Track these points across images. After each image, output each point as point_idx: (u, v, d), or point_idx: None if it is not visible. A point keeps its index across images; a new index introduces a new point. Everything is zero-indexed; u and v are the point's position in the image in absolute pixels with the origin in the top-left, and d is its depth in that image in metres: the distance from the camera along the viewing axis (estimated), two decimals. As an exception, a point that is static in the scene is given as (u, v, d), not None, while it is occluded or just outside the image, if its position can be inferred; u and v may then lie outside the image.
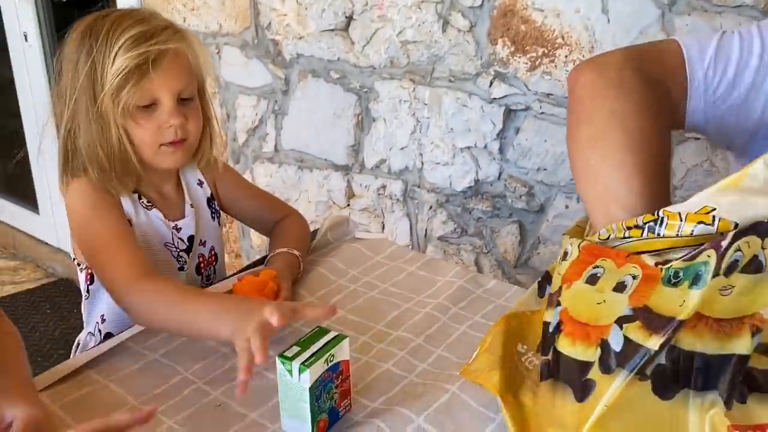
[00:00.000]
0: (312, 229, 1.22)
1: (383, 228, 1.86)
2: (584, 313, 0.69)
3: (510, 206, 1.62)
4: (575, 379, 0.66)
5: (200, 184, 1.13)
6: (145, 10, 1.01)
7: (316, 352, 0.75)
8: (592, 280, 0.70)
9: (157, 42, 0.93)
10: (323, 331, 0.78)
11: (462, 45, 1.57)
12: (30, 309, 2.75)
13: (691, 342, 0.62)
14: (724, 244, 0.61)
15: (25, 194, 3.02)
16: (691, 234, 0.64)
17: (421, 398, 0.82)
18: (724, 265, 0.61)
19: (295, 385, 0.73)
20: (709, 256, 0.62)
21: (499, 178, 1.61)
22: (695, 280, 0.62)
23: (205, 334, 0.87)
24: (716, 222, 0.63)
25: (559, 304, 0.71)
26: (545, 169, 1.53)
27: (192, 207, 1.09)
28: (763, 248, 0.61)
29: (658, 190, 0.74)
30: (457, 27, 1.56)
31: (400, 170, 1.77)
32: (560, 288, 0.72)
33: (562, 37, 1.42)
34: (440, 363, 0.90)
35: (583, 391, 0.65)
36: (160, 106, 0.96)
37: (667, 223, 0.66)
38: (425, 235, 1.77)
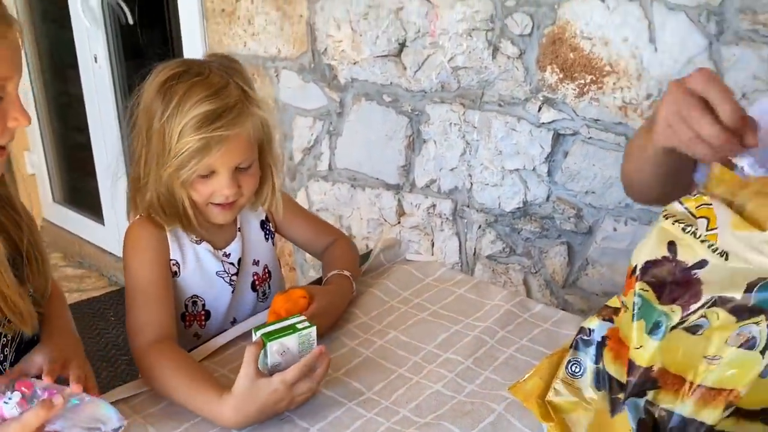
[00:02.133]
0: (364, 245, 1.28)
1: (432, 246, 1.91)
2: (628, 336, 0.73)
3: (558, 227, 1.65)
4: (610, 395, 0.70)
5: (255, 210, 1.20)
6: (220, 76, 1.03)
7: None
8: (625, 306, 0.74)
9: (222, 126, 0.99)
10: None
11: (511, 71, 1.61)
12: (95, 316, 2.90)
13: (667, 401, 0.65)
14: (693, 307, 0.62)
15: (91, 206, 3.18)
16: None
17: (468, 416, 0.88)
18: (686, 323, 0.63)
19: None
20: (673, 311, 0.63)
21: (547, 199, 1.65)
22: (654, 328, 0.64)
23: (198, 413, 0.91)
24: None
25: (609, 318, 0.75)
26: (593, 192, 1.56)
27: (240, 231, 1.16)
28: (757, 324, 0.60)
29: None
30: (507, 54, 1.61)
31: (450, 190, 1.82)
32: (614, 310, 0.75)
33: (610, 65, 1.46)
34: (487, 384, 0.95)
35: (612, 408, 0.69)
36: (217, 175, 1.03)
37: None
38: (474, 254, 1.82)
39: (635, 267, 0.68)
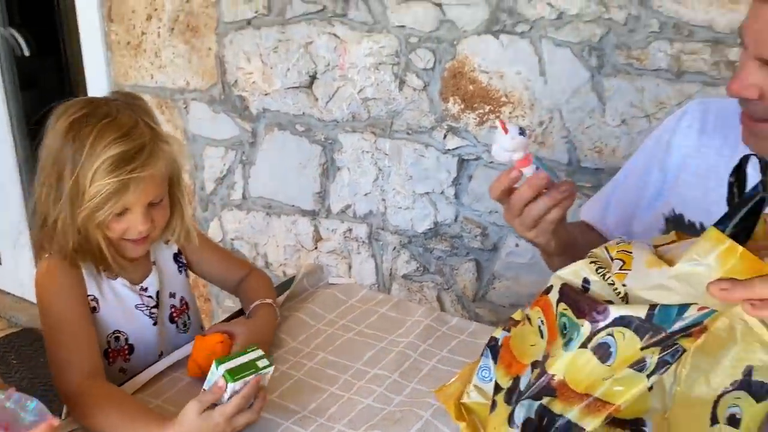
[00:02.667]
0: (281, 272, 1.33)
1: (350, 268, 1.99)
2: (517, 349, 0.82)
3: (467, 245, 1.77)
4: (492, 398, 0.80)
5: (166, 242, 1.22)
6: (128, 116, 1.04)
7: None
8: (528, 320, 0.83)
9: (137, 167, 1.00)
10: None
11: (417, 102, 1.73)
12: (-4, 359, 2.76)
13: (559, 408, 0.72)
14: (601, 324, 0.70)
15: (-13, 244, 3.03)
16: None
17: (398, 423, 0.95)
18: (594, 341, 0.70)
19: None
20: (582, 325, 0.71)
21: (456, 220, 1.76)
22: (568, 342, 0.72)
23: None
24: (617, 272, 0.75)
25: (508, 329, 0.85)
26: (497, 212, 1.69)
27: (155, 264, 1.19)
28: (652, 354, 0.67)
29: None
30: (413, 86, 1.72)
31: (365, 214, 1.91)
32: (515, 321, 0.85)
33: (506, 96, 1.60)
34: (414, 394, 1.03)
35: (491, 407, 0.78)
36: (131, 213, 1.04)
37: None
38: (390, 274, 1.91)
39: (550, 287, 0.77)
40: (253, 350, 0.94)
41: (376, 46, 1.74)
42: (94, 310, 1.09)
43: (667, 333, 0.67)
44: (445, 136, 1.71)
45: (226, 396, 0.90)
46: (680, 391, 0.72)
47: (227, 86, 2.04)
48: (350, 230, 1.95)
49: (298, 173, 1.99)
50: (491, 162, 1.66)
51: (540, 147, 1.58)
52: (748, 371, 0.71)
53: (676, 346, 0.67)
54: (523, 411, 0.73)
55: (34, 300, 1.08)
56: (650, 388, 0.70)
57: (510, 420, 0.74)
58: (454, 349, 1.15)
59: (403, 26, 1.69)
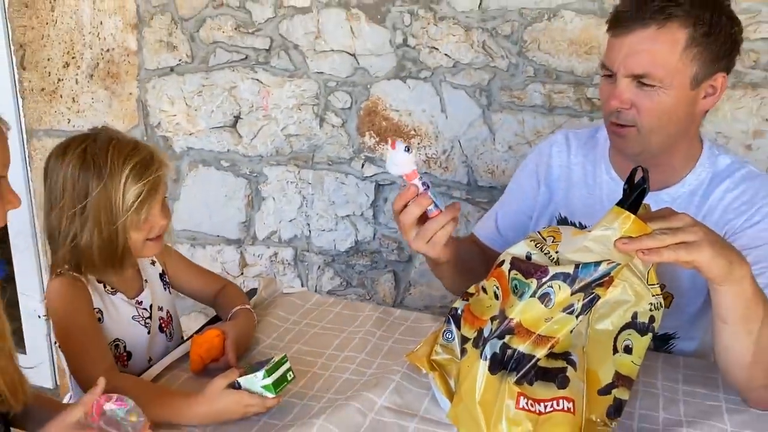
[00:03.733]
0: None
1: (276, 289, 2.18)
2: (477, 310, 1.10)
3: (385, 259, 2.04)
4: (460, 348, 1.07)
5: (153, 263, 1.40)
6: (119, 135, 1.24)
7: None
8: (484, 290, 1.12)
9: (155, 170, 1.20)
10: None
11: (337, 137, 2.00)
12: None
13: (516, 343, 1.01)
14: (544, 279, 0.99)
15: None
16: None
17: (377, 386, 1.18)
18: (540, 292, 0.99)
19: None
20: (531, 282, 1.00)
21: (374, 237, 2.04)
22: (521, 295, 1.01)
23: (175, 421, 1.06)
24: (552, 242, 1.06)
25: (467, 299, 1.12)
26: (410, 228, 1.99)
27: (147, 281, 1.36)
28: (578, 300, 0.95)
29: None
30: (332, 123, 1.99)
31: (290, 239, 2.13)
32: (471, 294, 1.13)
33: (414, 130, 1.91)
34: (382, 367, 1.27)
35: (461, 354, 1.06)
36: (152, 211, 1.23)
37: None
38: (316, 291, 2.13)
39: (503, 261, 1.06)
40: (284, 362, 1.11)
41: (298, 90, 1.99)
42: (99, 320, 1.24)
43: (587, 282, 0.97)
44: (362, 165, 1.99)
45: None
46: (592, 331, 1.03)
47: (150, 127, 2.19)
48: (276, 254, 2.16)
49: (223, 205, 2.17)
50: (404, 185, 1.96)
51: (444, 171, 1.90)
52: (635, 315, 1.03)
53: (593, 294, 0.98)
54: (489, 348, 1.01)
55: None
56: (571, 331, 1.00)
57: (481, 355, 1.01)
58: (404, 332, 1.41)
59: (322, 72, 1.96)
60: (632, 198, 0.98)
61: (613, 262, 0.97)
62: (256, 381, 1.08)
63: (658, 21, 1.11)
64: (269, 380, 1.07)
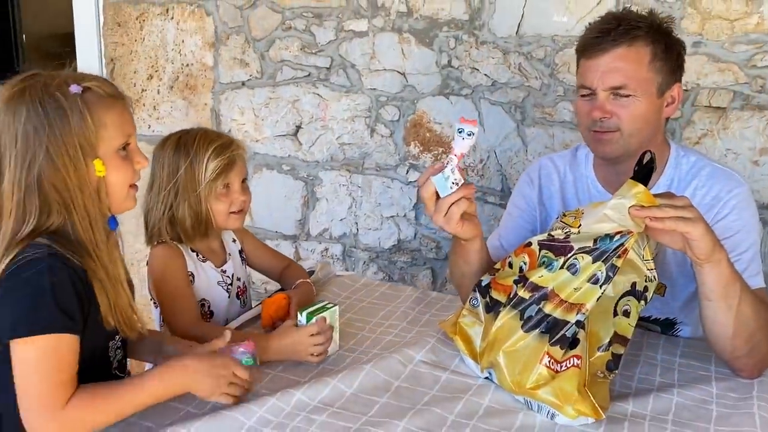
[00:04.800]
0: (263, 289, 1.75)
1: (325, 282, 2.42)
2: (503, 280, 1.32)
3: (424, 257, 2.27)
4: (495, 309, 1.28)
5: (234, 241, 1.66)
6: (216, 131, 1.55)
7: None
8: (510, 266, 1.34)
9: (232, 149, 1.48)
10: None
11: (385, 146, 2.25)
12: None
13: (551, 309, 1.22)
14: (569, 255, 1.21)
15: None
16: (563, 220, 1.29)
17: (416, 345, 1.41)
18: (567, 264, 1.22)
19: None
20: (556, 258, 1.22)
21: (415, 237, 2.27)
22: (548, 266, 1.24)
23: None
24: (575, 219, 1.28)
25: (492, 274, 1.34)
26: (448, 229, 2.21)
27: (230, 255, 1.62)
28: (599, 269, 1.15)
29: None
30: (381, 134, 2.24)
31: (340, 236, 2.37)
32: (497, 269, 1.35)
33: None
34: (421, 333, 1.49)
35: (494, 315, 1.27)
36: (233, 187, 1.50)
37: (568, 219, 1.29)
38: (361, 284, 2.36)
39: (530, 242, 1.28)
40: (324, 304, 1.38)
41: (353, 103, 2.26)
42: (191, 282, 1.50)
43: (605, 253, 1.17)
44: (407, 171, 2.23)
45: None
46: None
47: (220, 134, 2.48)
48: (326, 249, 2.41)
49: (282, 205, 2.44)
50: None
51: (480, 178, 2.13)
52: (633, 284, 1.24)
53: (611, 263, 1.17)
54: (528, 312, 1.22)
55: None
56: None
57: (521, 318, 1.22)
58: (440, 308, 1.63)
59: (374, 89, 2.22)
60: (641, 176, 1.20)
61: (625, 233, 1.17)
62: (300, 317, 1.35)
63: (626, 41, 1.34)
64: (305, 313, 1.34)
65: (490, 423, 1.16)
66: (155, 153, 1.51)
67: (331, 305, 1.39)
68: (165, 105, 2.55)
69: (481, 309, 1.34)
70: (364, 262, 2.35)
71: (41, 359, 1.02)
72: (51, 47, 3.20)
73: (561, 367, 1.18)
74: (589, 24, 1.43)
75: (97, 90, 1.11)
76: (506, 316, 1.25)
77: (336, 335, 1.40)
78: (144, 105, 2.59)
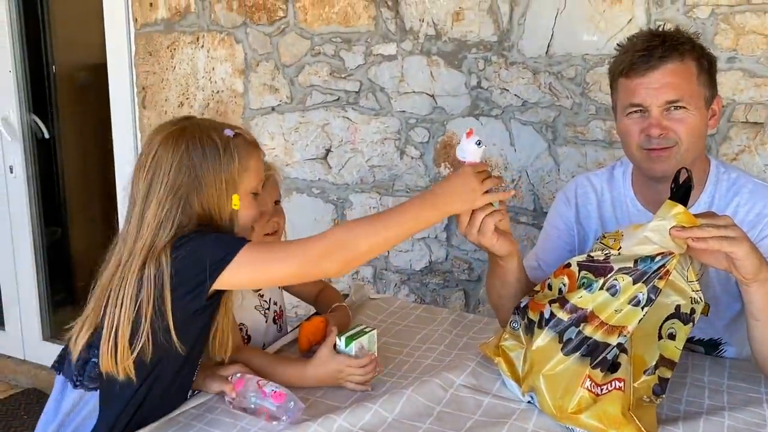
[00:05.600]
0: (293, 314, 1.76)
1: (356, 305, 2.42)
2: (540, 301, 1.30)
3: (456, 278, 2.25)
4: (530, 328, 1.26)
5: None
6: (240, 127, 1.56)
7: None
8: (549, 287, 1.32)
9: (265, 170, 1.49)
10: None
11: (415, 167, 2.25)
12: (7, 416, 2.94)
13: (591, 332, 1.19)
14: (609, 276, 1.19)
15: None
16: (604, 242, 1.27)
17: (456, 369, 1.39)
18: (607, 285, 1.19)
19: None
20: (598, 281, 1.20)
21: (447, 258, 2.26)
22: (588, 287, 1.21)
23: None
24: (615, 241, 1.26)
25: (531, 296, 1.33)
26: (479, 250, 2.19)
27: None
28: (640, 291, 1.13)
29: None
30: (411, 155, 2.25)
31: (370, 258, 2.36)
32: (536, 291, 1.33)
33: (486, 161, 2.14)
34: (459, 356, 1.47)
35: (529, 335, 1.25)
36: (267, 209, 1.51)
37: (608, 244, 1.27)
38: (393, 306, 2.35)
39: (569, 263, 1.26)
40: (363, 329, 1.38)
41: (383, 126, 2.27)
42: None
43: (646, 274, 1.15)
44: (438, 193, 2.22)
45: (353, 351, 1.33)
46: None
47: (251, 159, 2.50)
48: (357, 272, 2.40)
49: (311, 228, 2.44)
50: (475, 211, 2.18)
51: (513, 198, 2.12)
52: (678, 307, 1.21)
53: (653, 285, 1.14)
54: (567, 334, 1.19)
55: (36, 362, 1.43)
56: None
57: (560, 341, 1.19)
58: (477, 331, 1.61)
59: (404, 111, 2.23)
60: (679, 195, 1.19)
61: (666, 254, 1.14)
62: (339, 342, 1.35)
63: (676, 56, 1.34)
64: (343, 338, 1.34)
65: (536, 448, 1.14)
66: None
67: (369, 329, 1.39)
68: (196, 131, 2.58)
69: (521, 331, 1.32)
70: (396, 285, 2.34)
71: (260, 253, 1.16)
72: (82, 78, 3.27)
73: (602, 390, 1.16)
74: (622, 44, 1.42)
75: (245, 137, 1.25)
76: (545, 339, 1.24)
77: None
78: (175, 132, 2.62)
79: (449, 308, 2.27)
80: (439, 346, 1.53)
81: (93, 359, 1.20)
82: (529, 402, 1.27)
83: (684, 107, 1.35)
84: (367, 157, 2.31)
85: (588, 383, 1.16)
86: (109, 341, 1.15)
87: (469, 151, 1.29)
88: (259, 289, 1.58)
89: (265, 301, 1.58)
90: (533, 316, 1.28)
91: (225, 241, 1.17)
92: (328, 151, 2.37)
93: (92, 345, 1.21)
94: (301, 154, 2.41)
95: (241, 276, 1.15)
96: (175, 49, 2.57)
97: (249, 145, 1.24)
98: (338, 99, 2.31)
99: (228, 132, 1.22)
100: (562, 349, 1.20)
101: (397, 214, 1.20)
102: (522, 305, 1.34)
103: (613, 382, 1.16)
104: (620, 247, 1.22)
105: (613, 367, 1.17)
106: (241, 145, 1.22)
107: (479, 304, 2.24)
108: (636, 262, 1.17)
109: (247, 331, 1.55)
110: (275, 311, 1.63)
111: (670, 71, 1.34)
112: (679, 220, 1.15)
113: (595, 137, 1.99)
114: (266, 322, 1.58)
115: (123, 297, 1.15)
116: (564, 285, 1.28)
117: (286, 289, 1.72)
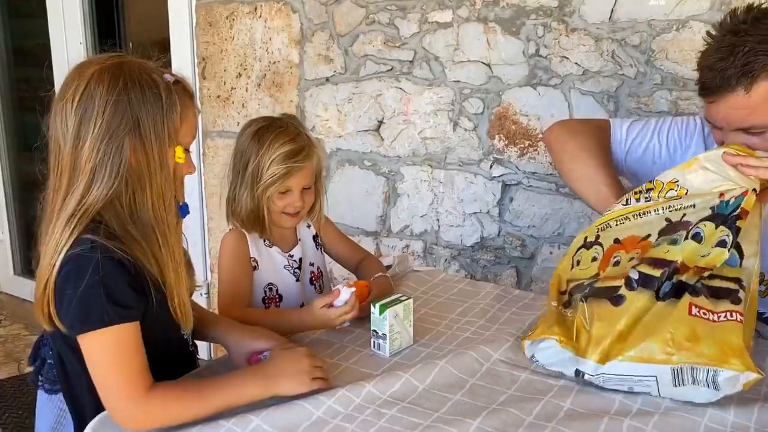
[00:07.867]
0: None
1: (406, 280, 2.38)
2: (612, 274, 1.24)
3: (508, 255, 2.18)
4: (610, 296, 1.20)
5: (309, 226, 1.65)
6: (294, 127, 1.51)
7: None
8: (615, 263, 1.25)
9: (298, 160, 1.46)
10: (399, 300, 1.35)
11: (468, 140, 2.18)
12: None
13: (687, 278, 1.15)
14: (690, 228, 1.17)
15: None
16: (666, 196, 1.21)
17: (494, 343, 1.34)
18: (690, 234, 1.17)
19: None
20: (680, 234, 1.18)
21: (499, 234, 2.18)
22: (674, 242, 1.18)
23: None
24: (678, 188, 1.21)
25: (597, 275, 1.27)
26: (534, 226, 2.12)
27: (300, 240, 1.61)
28: (723, 232, 1.14)
29: (615, 176, 1.43)
30: (465, 127, 2.18)
31: (421, 233, 2.32)
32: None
33: (542, 134, 2.05)
34: (498, 332, 1.42)
35: (617, 300, 1.18)
36: (291, 193, 1.49)
37: (653, 188, 1.24)
38: (442, 282, 2.30)
39: (649, 235, 1.23)
40: (398, 296, 1.36)
41: (436, 97, 2.20)
42: (254, 268, 1.50)
43: (726, 216, 1.15)
44: (491, 166, 2.15)
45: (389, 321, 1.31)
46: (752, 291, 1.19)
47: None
48: (407, 246, 2.36)
49: (363, 200, 2.42)
50: (530, 185, 2.10)
51: (569, 173, 2.02)
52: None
53: (735, 226, 1.14)
54: (663, 290, 1.16)
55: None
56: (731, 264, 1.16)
57: (657, 297, 1.16)
58: (521, 307, 1.55)
59: (458, 81, 2.16)
60: None
61: (739, 193, 1.16)
62: (374, 309, 1.33)
63: (744, 84, 1.20)
64: (378, 305, 1.33)
65: (571, 426, 1.08)
66: (240, 132, 1.53)
67: (405, 297, 1.35)
68: (253, 102, 2.59)
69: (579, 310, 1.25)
70: (446, 260, 2.29)
71: (108, 353, 1.04)
72: (152, 53, 3.33)
73: (719, 317, 1.12)
74: (703, 57, 1.30)
75: (185, 86, 1.14)
76: (640, 299, 1.17)
77: (410, 329, 1.36)
78: (233, 102, 2.64)
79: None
80: (480, 320, 1.48)
81: (49, 361, 1.22)
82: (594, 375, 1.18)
83: (762, 132, 1.25)
84: (420, 129, 2.26)
85: (695, 310, 1.13)
86: (41, 296, 1.08)
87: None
88: (290, 249, 1.58)
89: (295, 261, 1.58)
90: (616, 283, 1.21)
91: (88, 312, 1.03)
92: (381, 122, 2.33)
93: (44, 344, 1.23)
94: (354, 125, 2.38)
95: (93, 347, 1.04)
96: (233, 19, 2.58)
97: (187, 95, 1.13)
98: (392, 69, 2.27)
99: (168, 77, 1.11)
100: (656, 296, 1.17)
101: (222, 386, 1.11)
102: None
103: (733, 313, 1.13)
104: (686, 190, 1.23)
105: (735, 300, 1.14)
106: (181, 93, 1.11)
107: (531, 282, 2.16)
108: (714, 207, 1.18)
109: (277, 290, 1.54)
110: (312, 272, 1.62)
111: (739, 99, 1.23)
112: (733, 147, 1.20)
113: (659, 108, 1.87)
114: (298, 281, 1.57)
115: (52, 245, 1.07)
116: (633, 258, 1.23)
117: (327, 252, 1.70)
